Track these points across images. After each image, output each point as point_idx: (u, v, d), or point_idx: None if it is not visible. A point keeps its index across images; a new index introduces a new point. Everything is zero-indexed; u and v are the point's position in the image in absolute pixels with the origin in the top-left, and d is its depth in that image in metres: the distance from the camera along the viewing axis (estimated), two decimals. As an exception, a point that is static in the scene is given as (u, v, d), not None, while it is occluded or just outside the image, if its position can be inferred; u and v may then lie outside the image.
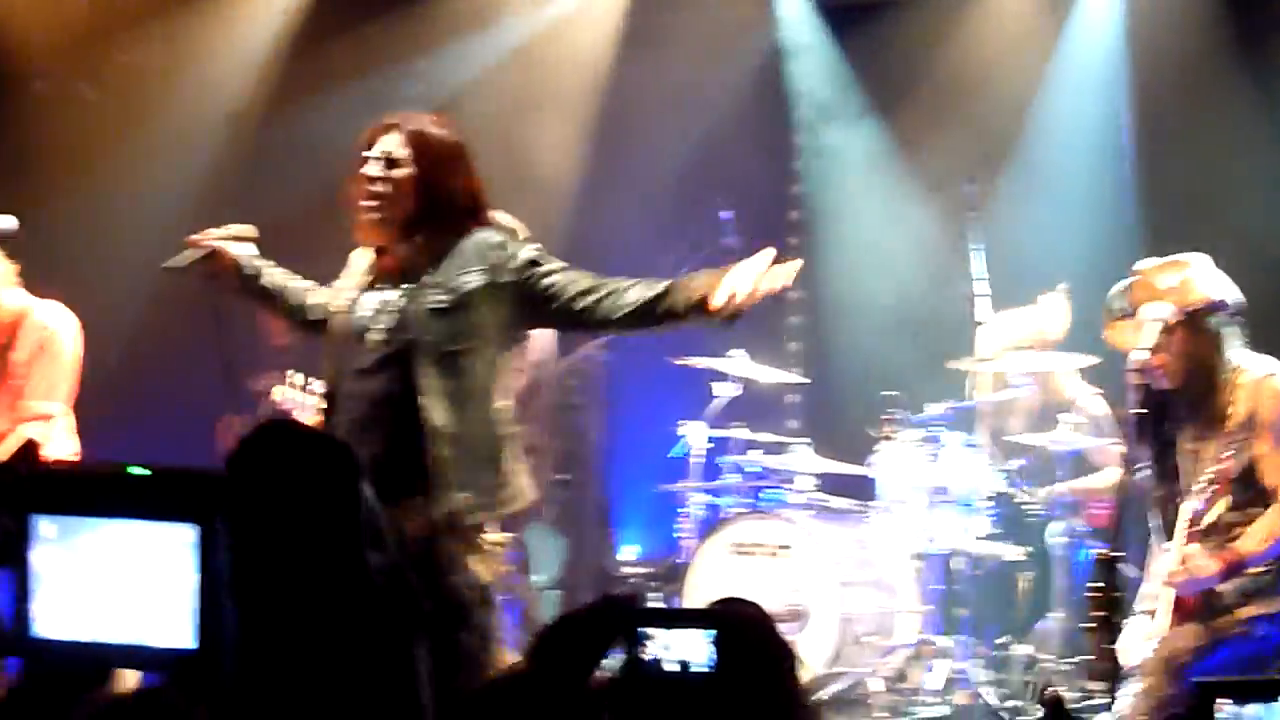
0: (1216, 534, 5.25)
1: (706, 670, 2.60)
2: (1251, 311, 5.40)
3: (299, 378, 6.86)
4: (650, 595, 8.53)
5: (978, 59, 9.53)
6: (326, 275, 5.21)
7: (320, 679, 2.53)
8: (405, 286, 4.80)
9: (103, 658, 2.64)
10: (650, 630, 2.62)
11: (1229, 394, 5.26)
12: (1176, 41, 8.98)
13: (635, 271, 8.35)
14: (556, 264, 4.81)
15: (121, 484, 2.64)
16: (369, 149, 4.84)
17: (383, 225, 4.84)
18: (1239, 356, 5.31)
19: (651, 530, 9.83)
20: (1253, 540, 5.18)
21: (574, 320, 4.78)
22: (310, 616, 2.54)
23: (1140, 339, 5.11)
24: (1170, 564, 5.23)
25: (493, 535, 4.76)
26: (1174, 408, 5.37)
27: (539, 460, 7.71)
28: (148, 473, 2.62)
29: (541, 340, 6.84)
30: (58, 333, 6.46)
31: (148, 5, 9.31)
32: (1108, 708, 4.93)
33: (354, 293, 4.91)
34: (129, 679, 2.83)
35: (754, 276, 4.52)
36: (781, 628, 2.75)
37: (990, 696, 7.26)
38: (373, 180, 4.81)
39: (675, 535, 8.35)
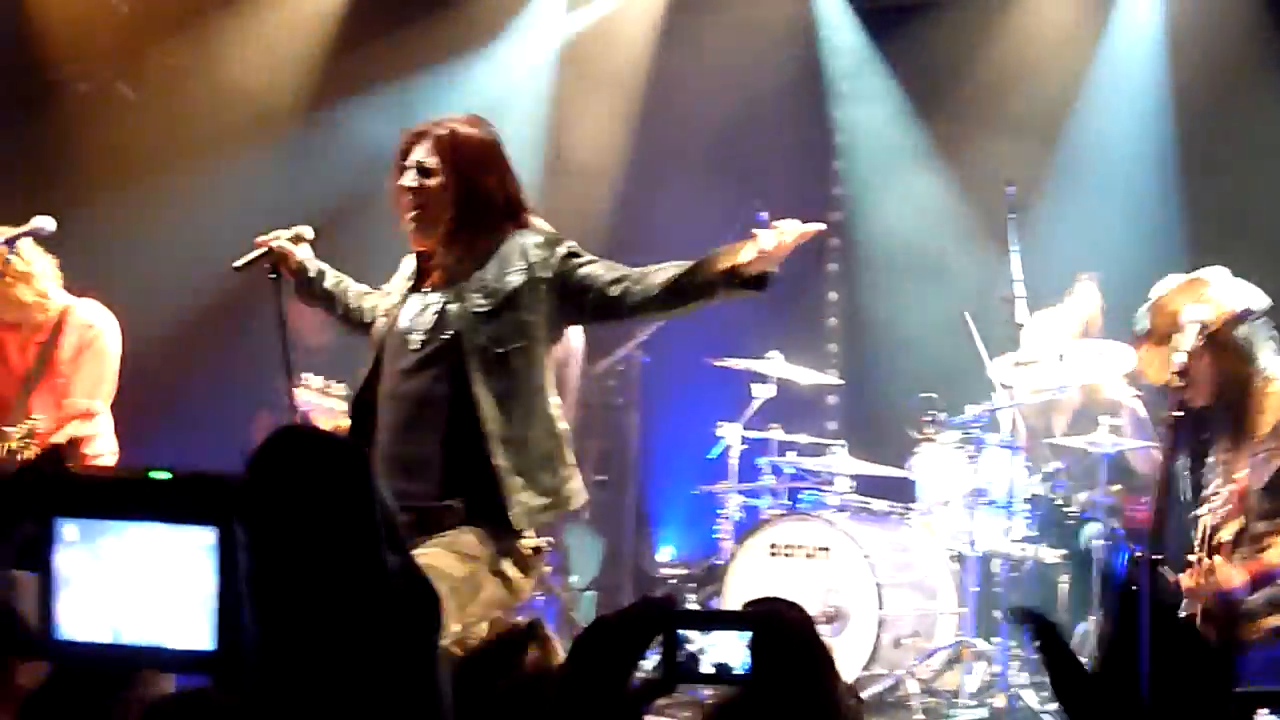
0: (1247, 544, 5.17)
1: (744, 673, 2.60)
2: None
3: (318, 380, 6.89)
4: (688, 597, 8.54)
5: (1018, 60, 9.50)
6: (363, 276, 5.26)
7: (339, 680, 2.54)
8: (448, 290, 4.82)
9: (125, 659, 2.65)
10: (688, 632, 2.62)
11: (1260, 404, 5.21)
12: (1217, 43, 8.93)
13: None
14: (590, 256, 4.83)
15: (142, 487, 2.65)
16: (405, 158, 4.87)
17: (424, 232, 4.88)
18: (1271, 363, 5.26)
19: (689, 532, 9.83)
20: (1278, 551, 5.10)
21: (611, 309, 4.78)
22: (328, 618, 2.55)
23: (1181, 342, 5.06)
24: (1196, 575, 5.19)
25: (530, 540, 4.77)
26: (1207, 419, 5.33)
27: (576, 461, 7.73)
28: (168, 476, 2.64)
29: (566, 341, 6.86)
30: (101, 332, 6.52)
31: (187, 8, 9.37)
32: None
33: (399, 297, 4.94)
34: (164, 681, 2.86)
35: (780, 234, 4.51)
36: (820, 630, 2.74)
37: (1029, 699, 7.24)
38: (408, 190, 4.85)
39: (713, 537, 8.36)
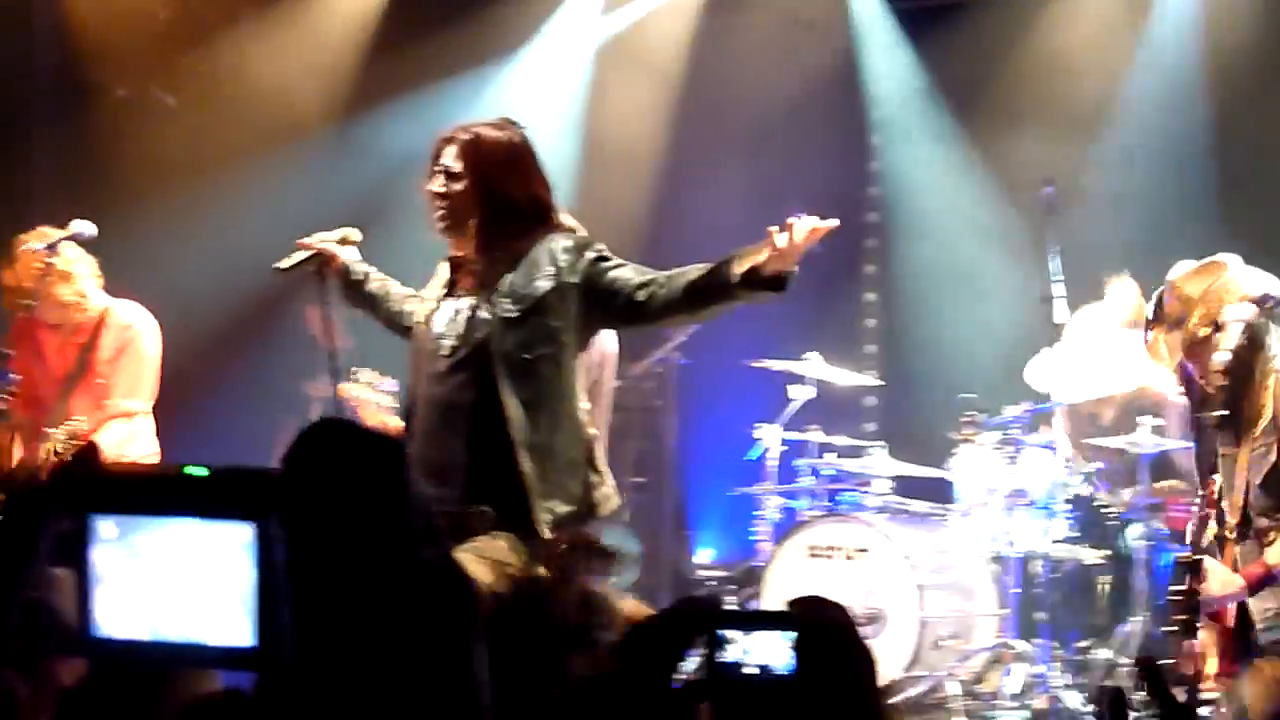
0: (1251, 539, 5.09)
1: (787, 674, 2.59)
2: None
3: (367, 374, 6.90)
4: (727, 598, 8.53)
5: (1054, 59, 9.45)
6: (400, 281, 5.27)
7: (378, 675, 2.54)
8: (479, 295, 4.82)
9: (163, 656, 2.66)
10: (730, 633, 2.61)
11: (1263, 396, 5.10)
12: (1257, 40, 8.88)
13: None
14: (618, 260, 4.82)
15: (179, 483, 2.66)
16: (436, 162, 4.88)
17: (453, 236, 4.89)
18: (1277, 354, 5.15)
19: (727, 533, 9.81)
20: (1277, 552, 5.01)
21: (638, 313, 4.78)
22: (366, 613, 2.56)
23: (1224, 340, 4.99)
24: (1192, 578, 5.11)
25: (564, 544, 4.76)
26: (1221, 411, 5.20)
27: (615, 463, 7.72)
28: (205, 472, 2.64)
29: (600, 344, 6.86)
30: (141, 332, 6.56)
31: (223, 16, 9.41)
32: (1188, 713, 4.84)
33: (434, 302, 4.95)
34: (209, 679, 2.86)
35: (794, 233, 4.50)
36: (861, 631, 2.74)
37: (1069, 700, 7.21)
38: (435, 195, 4.86)
39: (751, 538, 8.34)
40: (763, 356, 8.24)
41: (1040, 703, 7.23)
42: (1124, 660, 7.37)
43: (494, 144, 4.86)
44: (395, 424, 5.21)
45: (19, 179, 8.80)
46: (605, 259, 4.80)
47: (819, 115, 9.93)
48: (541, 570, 4.71)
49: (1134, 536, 7.55)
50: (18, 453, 6.36)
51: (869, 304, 10.26)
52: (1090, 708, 7.18)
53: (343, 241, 5.24)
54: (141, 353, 6.56)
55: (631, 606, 3.04)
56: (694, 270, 4.67)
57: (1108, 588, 7.80)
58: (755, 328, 8.72)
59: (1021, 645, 7.52)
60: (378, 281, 5.24)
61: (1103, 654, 7.52)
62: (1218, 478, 5.13)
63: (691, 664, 2.64)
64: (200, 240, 8.85)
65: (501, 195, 4.82)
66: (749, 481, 8.38)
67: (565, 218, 5.02)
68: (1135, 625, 7.41)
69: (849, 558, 7.64)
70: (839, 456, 8.29)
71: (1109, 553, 7.63)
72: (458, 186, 4.83)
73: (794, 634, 2.58)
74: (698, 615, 2.61)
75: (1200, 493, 5.17)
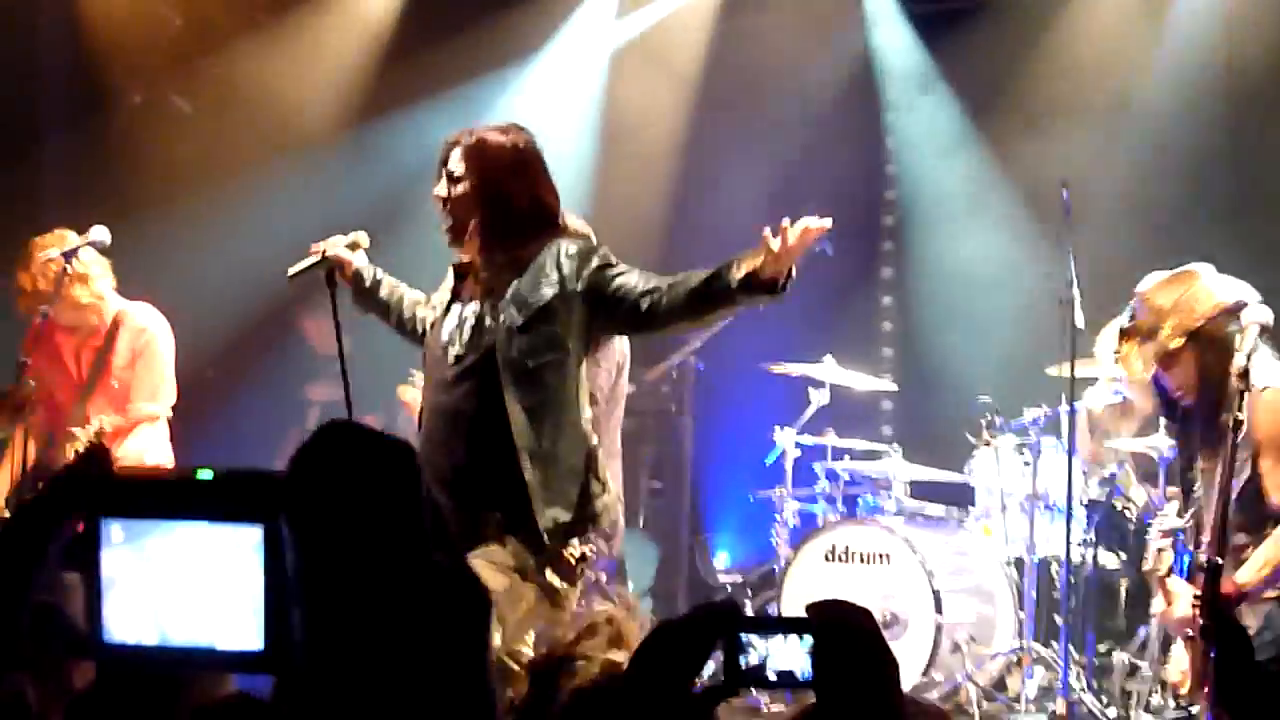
0: (1229, 555, 4.96)
1: (807, 678, 2.58)
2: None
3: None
4: (745, 602, 8.51)
5: (1071, 61, 9.44)
6: (416, 286, 5.26)
7: (389, 678, 2.53)
8: (485, 301, 4.81)
9: (173, 660, 2.65)
10: (749, 637, 2.60)
11: (1236, 408, 4.92)
12: (1275, 42, 8.85)
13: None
14: (623, 266, 4.80)
15: (188, 487, 2.65)
16: (443, 167, 4.88)
17: (458, 240, 4.88)
18: (1255, 365, 4.99)
19: (745, 538, 9.80)
20: (1250, 570, 4.95)
21: (642, 320, 4.76)
22: (376, 616, 2.54)
23: (1244, 343, 4.90)
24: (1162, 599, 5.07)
25: (574, 549, 4.75)
26: (1193, 423, 5.20)
27: (631, 468, 7.74)
28: (212, 475, 2.64)
29: (615, 350, 6.85)
30: (156, 336, 6.59)
31: (239, 22, 9.42)
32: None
33: (442, 308, 4.94)
34: (224, 682, 2.85)
35: (787, 236, 4.48)
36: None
37: (1089, 704, 7.18)
38: (440, 199, 4.86)
39: (769, 542, 8.33)
40: (779, 360, 8.23)
41: (1059, 706, 7.20)
42: (1144, 663, 7.35)
43: (498, 148, 4.85)
44: None
45: (34, 183, 8.81)
46: (610, 265, 4.78)
47: (835, 118, 9.93)
48: (552, 575, 4.71)
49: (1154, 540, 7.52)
50: (32, 456, 6.37)
51: (885, 307, 10.25)
52: (1109, 711, 7.15)
53: (353, 246, 5.23)
54: (158, 356, 6.58)
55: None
56: (695, 276, 4.65)
57: (1126, 591, 7.78)
58: (771, 332, 8.70)
59: (1040, 649, 7.50)
60: (388, 286, 5.23)
61: (1123, 658, 7.49)
62: (1173, 519, 5.09)
63: (710, 668, 2.62)
64: (216, 245, 8.87)
65: (505, 199, 4.81)
66: (766, 486, 8.37)
67: (574, 221, 5.00)
68: (1154, 628, 7.38)
69: (867, 562, 7.63)
70: (856, 460, 8.28)
71: (1128, 556, 7.60)
72: (461, 190, 4.83)
73: (813, 637, 2.57)
74: (717, 619, 2.60)
75: (1156, 532, 5.12)
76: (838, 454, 8.30)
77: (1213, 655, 4.57)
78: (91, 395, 6.51)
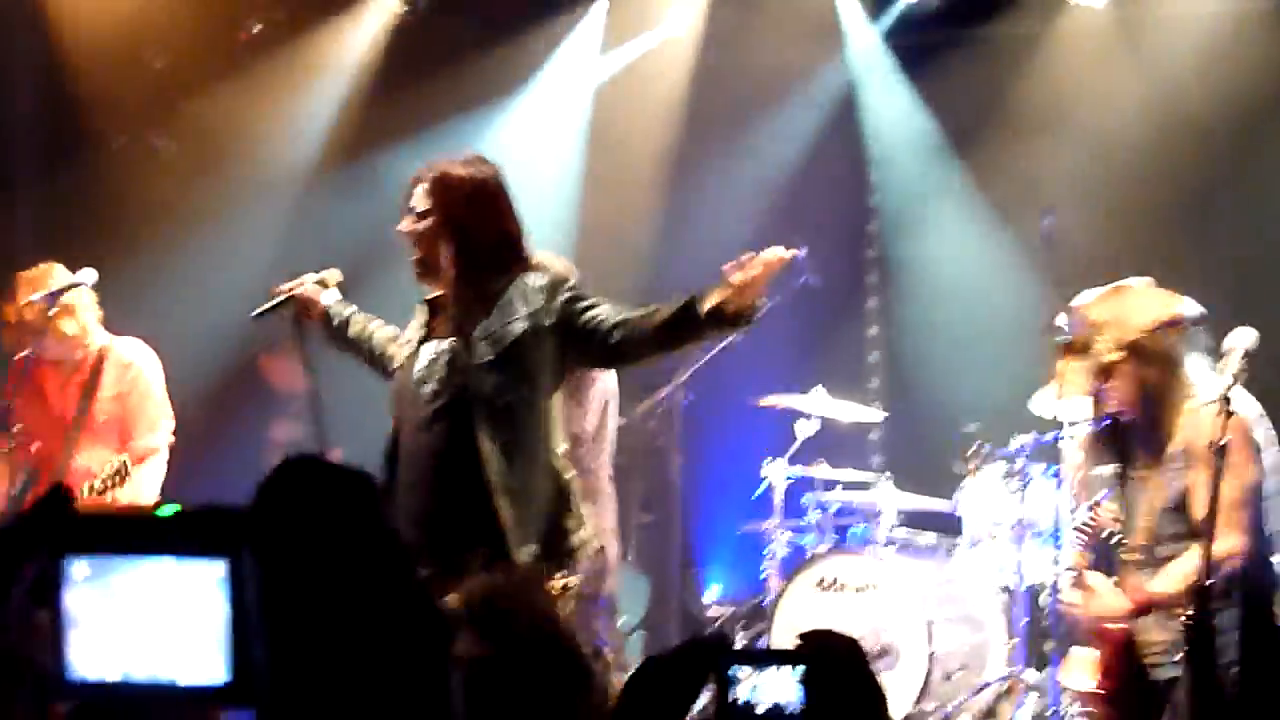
0: (1153, 565, 5.04)
1: (796, 710, 2.59)
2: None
3: None
4: (736, 635, 8.51)
5: (1050, 90, 9.48)
6: (400, 324, 5.25)
7: (352, 707, 2.54)
8: (457, 338, 4.81)
9: (138, 697, 2.66)
10: (740, 670, 2.61)
11: (1176, 420, 5.06)
12: (1254, 67, 8.90)
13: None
14: (593, 299, 4.80)
15: (151, 523, 2.67)
16: (408, 203, 4.89)
17: (427, 276, 4.89)
18: (1196, 379, 5.10)
19: (735, 570, 9.80)
20: (1166, 581, 4.97)
21: (614, 353, 4.79)
22: (339, 647, 2.56)
23: (1226, 366, 4.91)
24: (1076, 595, 5.07)
25: (558, 580, 4.75)
26: (1129, 435, 5.20)
27: (621, 502, 7.73)
28: (177, 510, 2.66)
29: (603, 385, 6.86)
30: (143, 369, 6.60)
31: (221, 62, 9.43)
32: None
33: (414, 345, 4.94)
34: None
35: (751, 269, 4.50)
36: (871, 665, 2.73)
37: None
38: (406, 235, 4.86)
39: (759, 575, 8.33)
40: (767, 393, 8.24)
41: (1052, 734, 7.21)
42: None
43: (459, 180, 4.85)
44: None
45: (12, 226, 8.81)
46: (580, 298, 4.79)
47: (819, 152, 9.96)
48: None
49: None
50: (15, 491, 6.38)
51: (872, 338, 10.27)
52: None
53: (323, 284, 5.23)
54: (149, 389, 6.60)
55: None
56: (665, 309, 4.67)
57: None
58: (760, 364, 8.75)
59: (1032, 676, 7.49)
60: (359, 324, 5.21)
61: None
62: (1150, 494, 5.07)
63: (702, 702, 2.63)
64: (198, 286, 8.86)
65: (468, 231, 4.81)
66: (756, 518, 8.37)
67: (557, 262, 5.01)
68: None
69: (858, 592, 7.63)
70: (846, 490, 8.28)
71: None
72: (425, 224, 4.83)
73: (803, 670, 2.58)
74: (707, 653, 2.61)
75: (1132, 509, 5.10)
76: (828, 485, 8.31)
77: (1193, 673, 4.61)
78: (79, 432, 6.50)
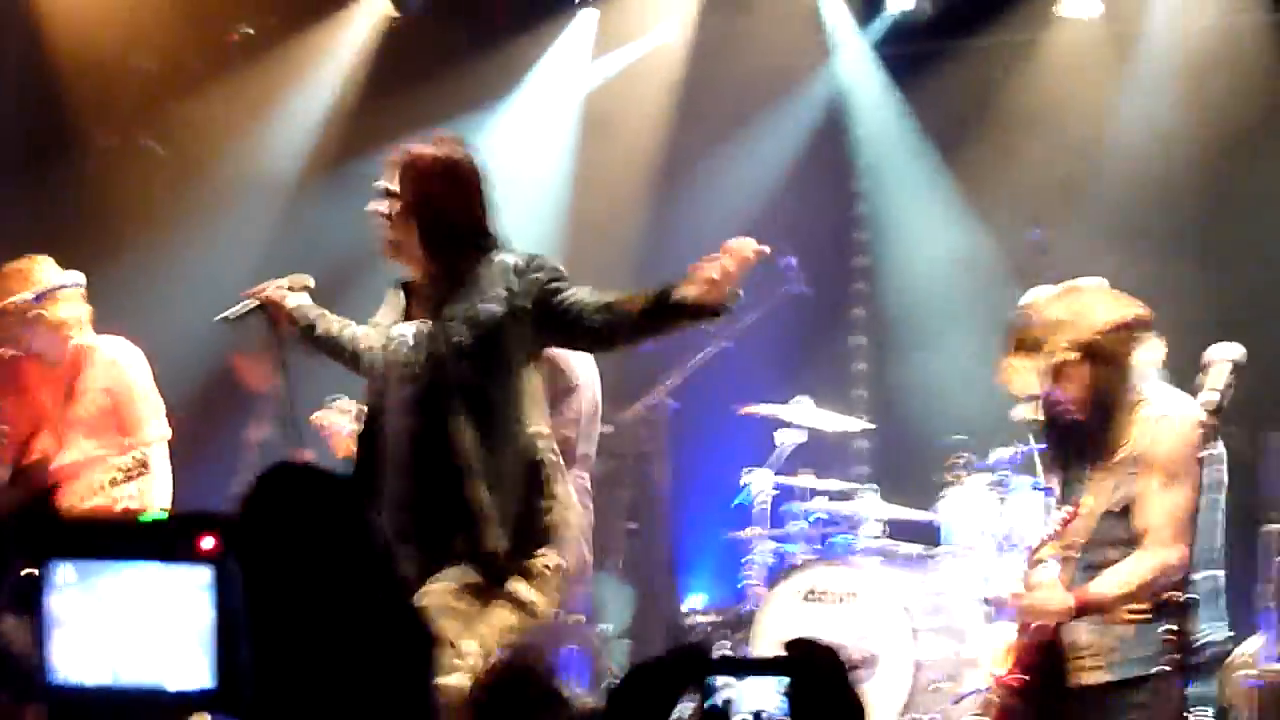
0: (1085, 567, 5.00)
1: (779, 719, 2.59)
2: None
3: (345, 402, 6.86)
4: (719, 644, 8.50)
5: (1040, 102, 9.50)
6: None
7: (335, 715, 2.54)
8: (433, 320, 4.81)
9: (122, 701, 2.66)
10: (722, 679, 2.61)
11: (1127, 425, 5.02)
12: (1240, 81, 8.92)
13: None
14: (571, 284, 4.80)
15: (137, 528, 2.67)
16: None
17: (398, 257, 4.89)
18: (1147, 386, 5.08)
19: (720, 579, 9.79)
20: (1107, 584, 4.93)
21: (594, 336, 4.79)
22: (323, 653, 2.56)
23: (1210, 380, 4.87)
24: (1020, 589, 5.06)
25: (545, 559, 4.76)
26: (1077, 437, 5.15)
27: (606, 510, 7.72)
28: (162, 516, 2.66)
29: (585, 396, 6.86)
30: (127, 367, 6.57)
31: (209, 66, 9.43)
32: None
33: (389, 329, 4.94)
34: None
35: (723, 261, 4.51)
36: (852, 675, 2.73)
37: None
38: (377, 216, 4.86)
39: (743, 583, 8.32)
40: (753, 401, 8.24)
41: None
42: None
43: (425, 160, 4.86)
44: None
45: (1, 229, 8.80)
46: (558, 279, 4.78)
47: (806, 161, 9.97)
48: (522, 586, 4.71)
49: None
50: None
51: (858, 348, 10.27)
52: None
53: (294, 287, 5.22)
54: (135, 385, 6.57)
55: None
56: (642, 297, 4.67)
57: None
58: (746, 372, 8.75)
59: (1015, 687, 7.49)
60: (334, 325, 5.20)
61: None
62: (1093, 498, 5.07)
63: (683, 711, 2.63)
64: (187, 288, 8.84)
65: (435, 212, 4.81)
66: (740, 526, 8.37)
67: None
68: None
69: (840, 601, 7.63)
70: (830, 500, 8.29)
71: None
72: (394, 205, 4.84)
73: (786, 679, 2.58)
74: (690, 662, 2.60)
75: (1075, 511, 5.10)
76: (812, 494, 8.31)
77: (1180, 684, 4.60)
78: (63, 429, 6.49)
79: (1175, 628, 4.71)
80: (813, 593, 7.68)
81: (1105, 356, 5.02)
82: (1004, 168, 9.43)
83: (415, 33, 9.74)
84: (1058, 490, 5.26)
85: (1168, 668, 4.88)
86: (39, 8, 8.85)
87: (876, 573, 7.66)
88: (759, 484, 8.21)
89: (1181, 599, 4.81)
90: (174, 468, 6.63)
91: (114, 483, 6.13)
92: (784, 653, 2.61)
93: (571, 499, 4.96)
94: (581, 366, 6.75)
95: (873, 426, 9.27)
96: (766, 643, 7.55)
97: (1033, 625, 5.06)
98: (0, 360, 6.34)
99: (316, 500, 2.64)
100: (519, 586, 4.69)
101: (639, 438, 9.45)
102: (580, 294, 4.74)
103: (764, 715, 2.60)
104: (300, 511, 2.62)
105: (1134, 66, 9.35)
